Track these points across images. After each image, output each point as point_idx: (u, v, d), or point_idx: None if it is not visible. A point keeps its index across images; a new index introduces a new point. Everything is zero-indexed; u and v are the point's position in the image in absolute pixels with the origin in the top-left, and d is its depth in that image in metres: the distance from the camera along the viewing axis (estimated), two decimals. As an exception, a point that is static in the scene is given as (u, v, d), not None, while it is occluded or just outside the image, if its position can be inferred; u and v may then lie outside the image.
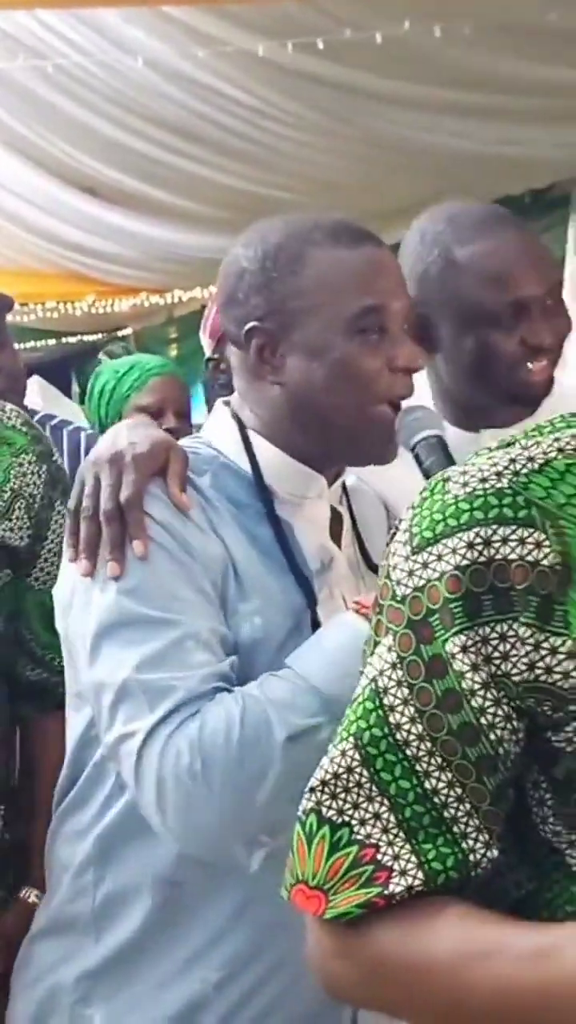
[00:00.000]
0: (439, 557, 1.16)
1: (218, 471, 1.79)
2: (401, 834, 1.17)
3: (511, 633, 1.13)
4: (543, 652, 1.13)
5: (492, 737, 1.16)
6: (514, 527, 1.14)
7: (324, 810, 1.20)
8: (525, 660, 1.14)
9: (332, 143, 7.19)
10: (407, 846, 1.17)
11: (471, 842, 1.16)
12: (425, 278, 2.07)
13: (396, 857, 1.17)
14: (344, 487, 1.91)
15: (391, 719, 1.18)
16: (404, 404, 1.79)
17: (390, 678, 1.19)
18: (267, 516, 1.77)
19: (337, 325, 1.74)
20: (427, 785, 1.17)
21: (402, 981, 1.17)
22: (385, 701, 1.19)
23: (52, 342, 10.69)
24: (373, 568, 1.87)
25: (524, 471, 1.16)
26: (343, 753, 1.20)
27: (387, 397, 1.76)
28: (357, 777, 1.19)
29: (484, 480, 1.16)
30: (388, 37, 5.87)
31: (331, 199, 7.59)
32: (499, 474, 1.16)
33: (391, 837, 1.17)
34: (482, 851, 1.17)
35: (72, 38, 6.93)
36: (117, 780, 1.74)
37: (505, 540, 1.13)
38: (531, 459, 1.17)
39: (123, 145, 7.87)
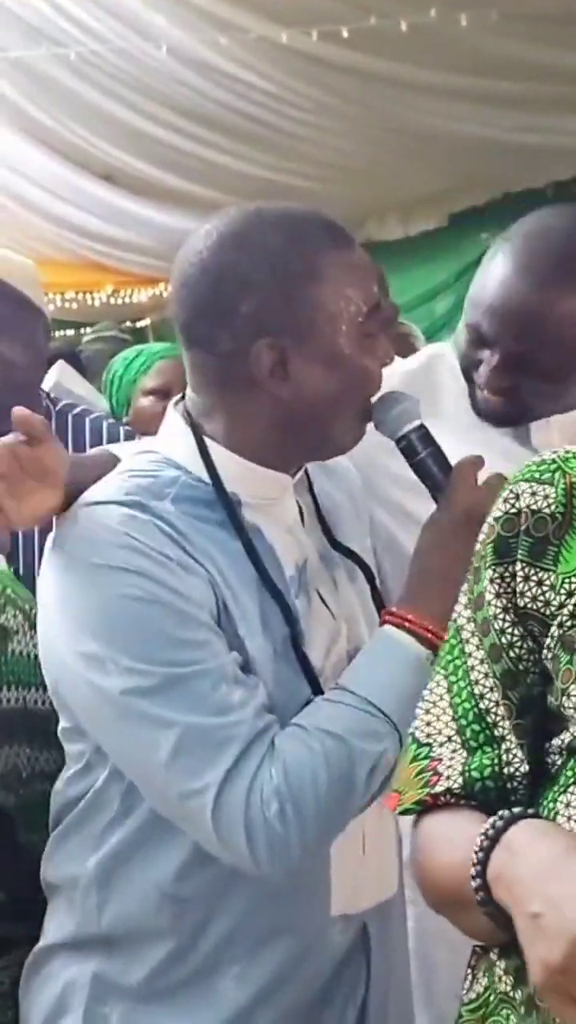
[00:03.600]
0: (494, 512, 1.40)
1: (180, 491, 1.71)
2: (463, 751, 1.37)
3: (514, 569, 1.36)
4: (531, 584, 1.35)
5: (512, 655, 1.36)
6: (536, 484, 1.37)
7: (417, 733, 1.42)
8: (520, 589, 1.36)
9: (355, 131, 7.14)
10: (462, 760, 1.37)
11: (509, 755, 1.36)
12: None
13: (449, 767, 1.37)
14: (306, 471, 1.85)
15: (466, 649, 1.40)
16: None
17: (462, 615, 1.41)
18: (234, 527, 1.71)
19: (351, 331, 1.70)
20: (481, 706, 1.38)
21: (423, 863, 1.38)
22: (462, 635, 1.41)
23: (70, 332, 10.63)
24: (342, 549, 1.84)
25: (573, 454, 1.38)
26: (437, 684, 1.42)
27: (371, 397, 1.76)
28: (443, 705, 1.41)
29: (541, 455, 1.40)
30: (414, 25, 5.84)
31: (353, 188, 7.56)
32: (555, 451, 1.40)
33: (453, 754, 1.38)
34: (517, 764, 1.36)
35: (93, 26, 6.91)
36: (121, 807, 1.71)
37: (523, 493, 1.37)
38: None
39: (143, 133, 7.84)
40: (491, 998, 1.36)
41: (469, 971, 1.42)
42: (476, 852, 1.24)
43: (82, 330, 11.11)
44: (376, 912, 1.82)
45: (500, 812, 1.27)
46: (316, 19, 6.03)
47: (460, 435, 2.08)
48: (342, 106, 6.89)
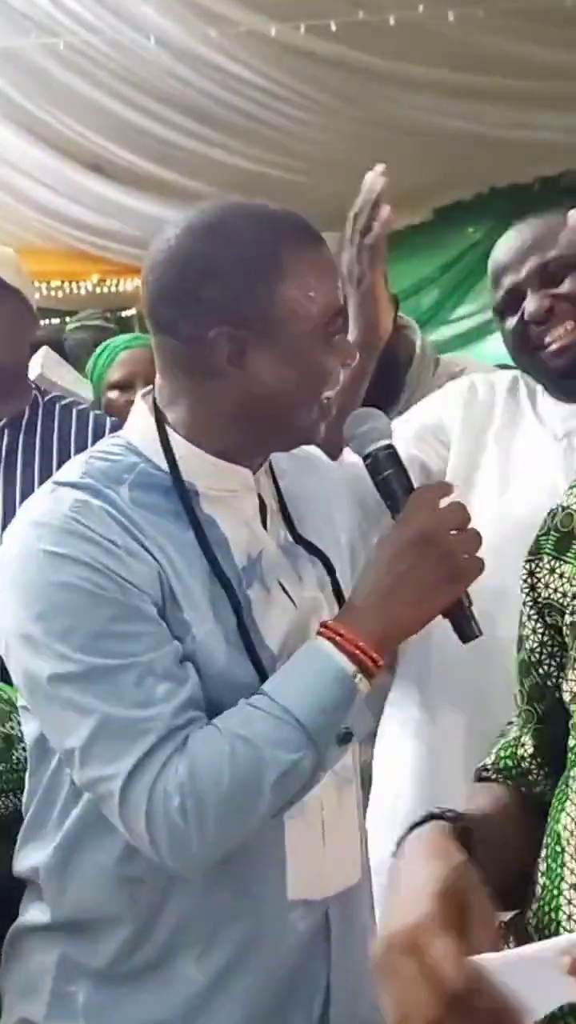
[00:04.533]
0: None
1: (138, 481, 1.74)
2: (518, 732, 1.52)
3: (541, 564, 1.44)
4: (555, 576, 1.41)
5: (528, 645, 1.46)
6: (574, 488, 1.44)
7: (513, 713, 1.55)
8: (545, 581, 1.43)
9: (343, 125, 7.12)
10: (506, 740, 1.53)
11: (522, 737, 1.51)
12: None
13: (497, 744, 1.54)
14: (271, 465, 1.88)
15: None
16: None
17: None
18: (191, 522, 1.74)
19: (313, 331, 1.72)
20: (514, 691, 1.52)
21: None
22: None
23: (56, 321, 10.61)
24: (304, 543, 1.86)
25: None
26: None
27: (331, 391, 1.77)
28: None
29: None
30: (402, 20, 5.84)
31: (340, 182, 7.50)
32: None
33: (512, 733, 1.53)
34: (525, 746, 1.50)
35: (84, 16, 6.89)
36: (71, 790, 1.74)
37: (566, 496, 1.43)
38: None
39: (132, 124, 7.83)
40: None
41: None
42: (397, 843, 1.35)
43: (67, 319, 11.09)
44: (338, 899, 1.83)
45: (431, 809, 1.38)
46: (305, 13, 6.04)
47: (539, 452, 2.19)
48: (329, 100, 6.89)
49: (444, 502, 1.72)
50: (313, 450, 2.00)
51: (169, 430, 1.77)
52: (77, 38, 6.99)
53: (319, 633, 1.70)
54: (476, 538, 1.68)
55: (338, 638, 1.67)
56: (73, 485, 1.71)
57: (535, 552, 1.44)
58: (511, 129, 6.72)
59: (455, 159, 7.14)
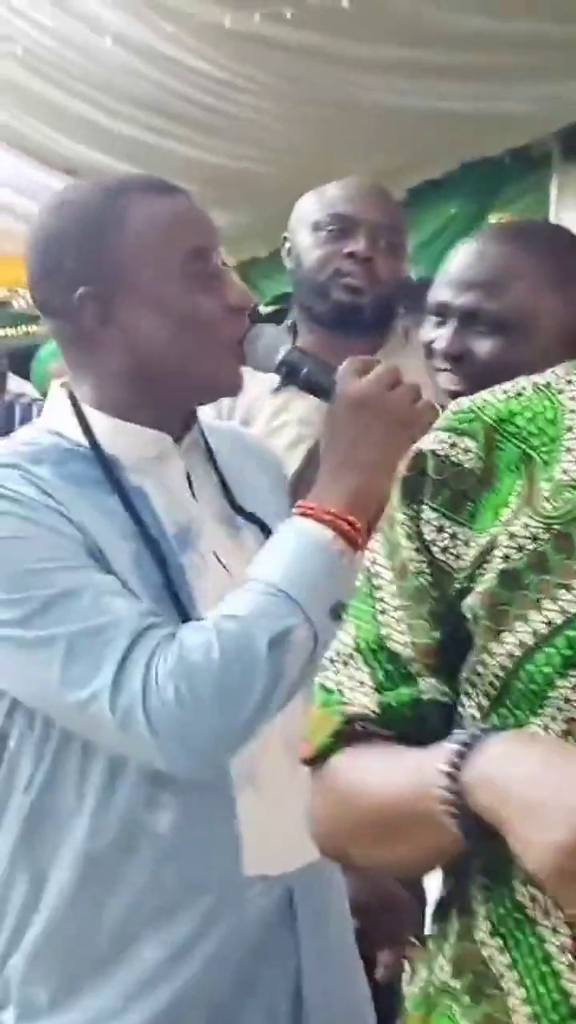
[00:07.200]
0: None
1: (58, 458, 1.77)
2: (373, 689, 1.34)
3: (423, 513, 1.35)
4: (445, 535, 1.34)
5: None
6: (461, 436, 1.36)
7: (325, 681, 1.38)
8: (428, 537, 1.35)
9: (306, 113, 7.09)
10: (373, 696, 1.34)
11: (423, 682, 1.33)
12: None
13: (362, 704, 1.34)
14: (204, 436, 1.91)
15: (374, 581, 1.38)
16: None
17: (376, 551, 1.39)
18: (113, 487, 1.76)
19: (170, 273, 1.76)
20: (382, 632, 1.35)
21: (340, 803, 1.35)
22: (372, 569, 1.39)
23: (35, 328, 10.63)
24: (244, 513, 1.88)
25: (493, 398, 1.39)
26: (346, 632, 1.39)
27: (229, 339, 1.79)
28: (350, 652, 1.37)
29: (466, 402, 1.40)
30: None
31: (311, 171, 7.47)
32: (473, 399, 1.40)
33: (366, 692, 1.35)
34: (429, 689, 1.33)
35: (40, 20, 6.87)
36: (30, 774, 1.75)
37: (453, 445, 1.35)
38: (506, 391, 1.39)
39: (99, 125, 7.79)
40: (431, 991, 1.34)
41: (407, 964, 1.45)
42: (448, 763, 1.20)
43: (51, 325, 11.06)
44: (303, 875, 1.83)
45: (460, 731, 1.25)
46: (259, 1, 6.01)
47: None
48: (289, 87, 6.85)
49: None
50: (253, 439, 2.10)
51: (83, 405, 1.82)
52: (35, 42, 6.96)
53: (291, 515, 1.75)
54: (413, 388, 1.74)
55: (309, 511, 1.72)
56: None
57: (415, 492, 1.37)
58: (474, 102, 6.66)
59: (421, 138, 7.11)
